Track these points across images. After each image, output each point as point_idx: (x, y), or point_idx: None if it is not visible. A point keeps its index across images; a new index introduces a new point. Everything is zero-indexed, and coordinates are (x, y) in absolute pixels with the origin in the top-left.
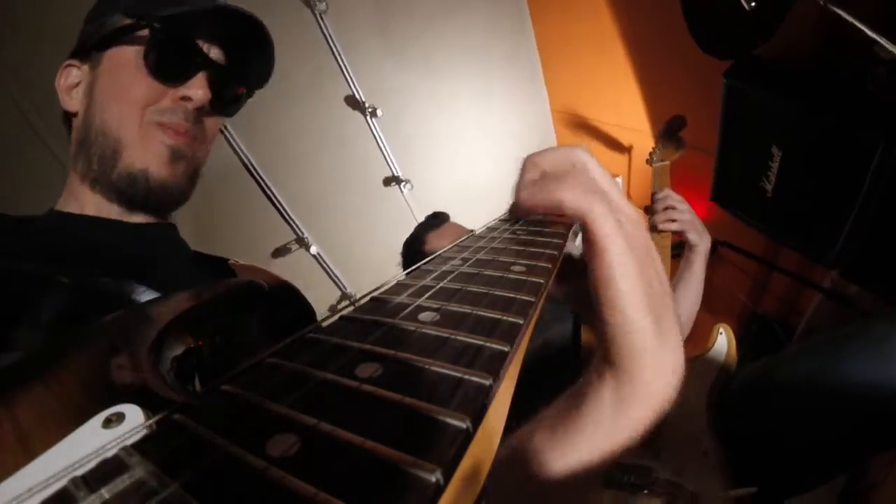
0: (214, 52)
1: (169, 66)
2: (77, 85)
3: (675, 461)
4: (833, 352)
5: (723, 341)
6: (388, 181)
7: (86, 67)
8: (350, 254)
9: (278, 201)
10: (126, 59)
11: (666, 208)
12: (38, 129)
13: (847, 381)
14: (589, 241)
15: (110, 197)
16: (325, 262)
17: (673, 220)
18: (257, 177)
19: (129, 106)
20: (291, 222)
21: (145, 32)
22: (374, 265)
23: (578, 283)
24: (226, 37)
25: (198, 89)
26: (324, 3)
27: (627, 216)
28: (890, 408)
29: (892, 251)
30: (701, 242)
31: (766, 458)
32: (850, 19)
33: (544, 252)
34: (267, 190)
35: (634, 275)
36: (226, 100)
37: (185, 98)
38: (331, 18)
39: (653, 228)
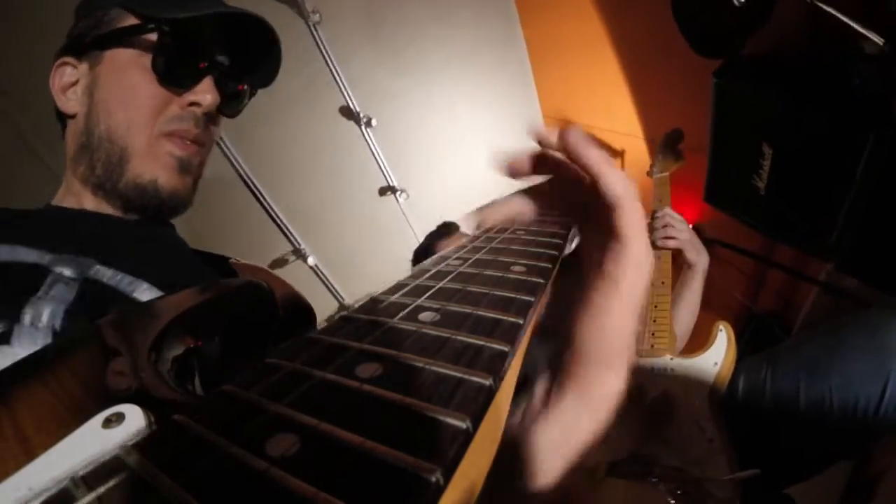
0: (220, 55)
1: (178, 71)
2: (74, 84)
3: (681, 449)
4: (830, 345)
5: (723, 338)
6: (383, 191)
7: (84, 66)
8: (347, 264)
9: (275, 212)
10: (130, 62)
11: (664, 226)
12: (28, 138)
13: (842, 374)
14: (611, 224)
15: (114, 203)
16: (322, 273)
17: (671, 238)
18: (253, 188)
19: (137, 114)
20: (288, 233)
21: (152, 35)
22: (371, 275)
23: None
24: (233, 39)
25: (206, 94)
26: (318, 15)
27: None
28: (881, 400)
29: (886, 242)
30: (699, 261)
31: (768, 449)
32: (837, 14)
33: (544, 252)
34: (263, 201)
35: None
36: (231, 100)
37: (194, 104)
38: (324, 29)
39: (652, 245)
